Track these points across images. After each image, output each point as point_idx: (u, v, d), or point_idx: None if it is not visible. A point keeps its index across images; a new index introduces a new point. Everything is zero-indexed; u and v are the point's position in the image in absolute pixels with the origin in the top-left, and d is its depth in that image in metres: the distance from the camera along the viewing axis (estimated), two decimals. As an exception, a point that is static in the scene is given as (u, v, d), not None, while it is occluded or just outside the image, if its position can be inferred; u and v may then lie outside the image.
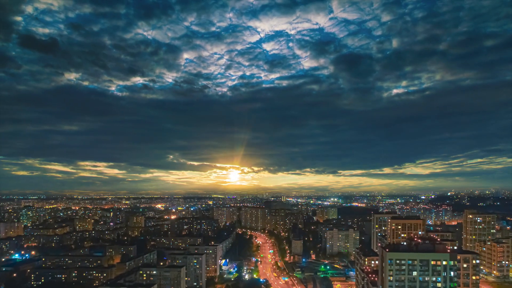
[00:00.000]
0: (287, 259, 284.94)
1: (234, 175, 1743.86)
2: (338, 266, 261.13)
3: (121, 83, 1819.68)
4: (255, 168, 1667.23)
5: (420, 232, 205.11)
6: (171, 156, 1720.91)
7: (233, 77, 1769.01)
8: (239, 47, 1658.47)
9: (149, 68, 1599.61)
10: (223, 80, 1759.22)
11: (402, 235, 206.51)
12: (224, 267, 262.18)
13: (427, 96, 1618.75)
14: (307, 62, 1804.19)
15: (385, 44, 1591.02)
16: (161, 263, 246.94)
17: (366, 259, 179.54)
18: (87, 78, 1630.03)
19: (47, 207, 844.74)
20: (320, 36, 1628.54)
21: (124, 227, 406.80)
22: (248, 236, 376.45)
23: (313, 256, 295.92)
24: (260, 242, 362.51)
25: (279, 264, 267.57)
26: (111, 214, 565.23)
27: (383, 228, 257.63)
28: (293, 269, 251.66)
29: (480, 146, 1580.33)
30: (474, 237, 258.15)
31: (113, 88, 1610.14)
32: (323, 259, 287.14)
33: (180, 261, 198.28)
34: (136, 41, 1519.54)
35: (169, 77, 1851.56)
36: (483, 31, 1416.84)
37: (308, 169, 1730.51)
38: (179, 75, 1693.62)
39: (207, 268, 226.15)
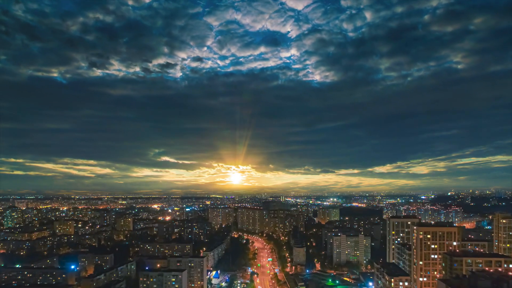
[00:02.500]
0: (288, 269, 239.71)
1: (226, 174, 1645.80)
2: (348, 279, 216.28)
3: (62, 68, 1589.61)
4: (241, 167, 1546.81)
5: (455, 243, 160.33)
6: (151, 153, 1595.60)
7: (184, 62, 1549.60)
8: (178, 22, 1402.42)
9: (83, 49, 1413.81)
10: (172, 63, 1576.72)
11: (433, 246, 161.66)
12: (214, 280, 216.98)
13: (409, 85, 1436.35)
14: (263, 43, 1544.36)
15: (357, 18, 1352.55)
16: (141, 278, 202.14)
17: (393, 280, 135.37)
18: (19, 60, 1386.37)
19: (40, 207, 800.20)
20: (274, 6, 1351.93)
21: (109, 231, 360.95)
22: (244, 241, 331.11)
23: (318, 266, 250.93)
24: (258, 248, 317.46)
25: (278, 276, 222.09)
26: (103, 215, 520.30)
27: (401, 235, 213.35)
28: (295, 283, 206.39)
29: (475, 145, 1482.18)
30: (508, 245, 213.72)
31: (56, 75, 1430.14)
32: (329, 269, 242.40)
33: (154, 280, 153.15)
34: (60, 14, 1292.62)
35: (113, 60, 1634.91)
36: (470, 3, 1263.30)
37: (297, 168, 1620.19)
38: (120, 57, 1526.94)
39: (192, 285, 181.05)
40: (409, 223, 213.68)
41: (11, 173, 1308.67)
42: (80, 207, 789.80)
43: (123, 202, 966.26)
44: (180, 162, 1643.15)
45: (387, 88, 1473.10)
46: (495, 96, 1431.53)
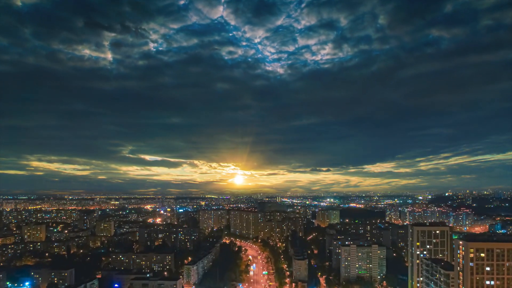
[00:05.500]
0: (287, 287, 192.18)
1: (211, 173, 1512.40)
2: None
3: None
4: (223, 164, 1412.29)
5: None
6: (126, 150, 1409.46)
7: (107, 36, 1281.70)
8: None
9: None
10: (90, 40, 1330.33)
11: (488, 268, 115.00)
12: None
13: (382, 68, 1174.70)
14: (196, 10, 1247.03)
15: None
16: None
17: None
18: None
19: (30, 207, 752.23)
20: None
21: (84, 236, 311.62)
22: (237, 248, 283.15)
23: (322, 281, 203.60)
24: (251, 257, 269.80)
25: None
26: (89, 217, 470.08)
27: (427, 246, 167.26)
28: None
29: (467, 142, 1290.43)
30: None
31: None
32: (336, 285, 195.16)
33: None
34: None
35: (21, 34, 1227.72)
36: None
37: (284, 167, 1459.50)
38: (29, 30, 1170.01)
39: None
40: (437, 232, 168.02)
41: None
42: (69, 208, 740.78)
43: (116, 202, 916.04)
44: (160, 159, 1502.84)
45: (353, 74, 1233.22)
46: (488, 83, 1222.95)
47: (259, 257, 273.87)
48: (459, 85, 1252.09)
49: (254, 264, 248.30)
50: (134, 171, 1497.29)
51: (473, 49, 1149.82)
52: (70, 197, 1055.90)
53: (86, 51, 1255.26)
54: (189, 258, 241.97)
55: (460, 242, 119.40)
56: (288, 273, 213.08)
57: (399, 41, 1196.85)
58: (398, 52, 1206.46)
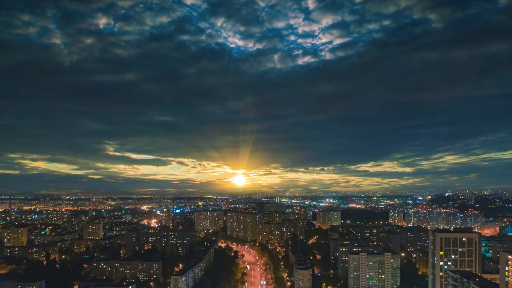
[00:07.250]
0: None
1: (202, 171, 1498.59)
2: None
3: None
4: (212, 163, 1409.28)
5: None
6: (111, 150, 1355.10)
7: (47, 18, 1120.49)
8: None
9: None
10: (30, 27, 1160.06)
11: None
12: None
13: (363, 57, 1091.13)
14: None
15: None
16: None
17: None
18: None
19: (25, 208, 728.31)
20: None
21: (68, 240, 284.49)
22: (233, 254, 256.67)
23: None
24: (248, 263, 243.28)
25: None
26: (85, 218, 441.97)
27: (452, 256, 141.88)
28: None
29: (463, 140, 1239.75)
30: None
31: None
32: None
33: None
34: None
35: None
36: None
37: (277, 165, 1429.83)
38: None
39: None
40: (464, 239, 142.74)
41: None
42: (64, 208, 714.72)
43: (113, 203, 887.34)
44: (147, 157, 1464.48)
45: (331, 64, 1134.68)
46: (483, 76, 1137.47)
47: (257, 263, 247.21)
48: (451, 79, 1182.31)
49: (251, 272, 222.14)
50: (124, 171, 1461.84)
51: (464, 34, 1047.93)
52: (67, 197, 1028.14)
53: (34, 36, 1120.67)
54: (180, 265, 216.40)
55: (509, 257, 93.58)
56: (289, 283, 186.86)
57: (378, 25, 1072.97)
58: (378, 38, 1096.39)
